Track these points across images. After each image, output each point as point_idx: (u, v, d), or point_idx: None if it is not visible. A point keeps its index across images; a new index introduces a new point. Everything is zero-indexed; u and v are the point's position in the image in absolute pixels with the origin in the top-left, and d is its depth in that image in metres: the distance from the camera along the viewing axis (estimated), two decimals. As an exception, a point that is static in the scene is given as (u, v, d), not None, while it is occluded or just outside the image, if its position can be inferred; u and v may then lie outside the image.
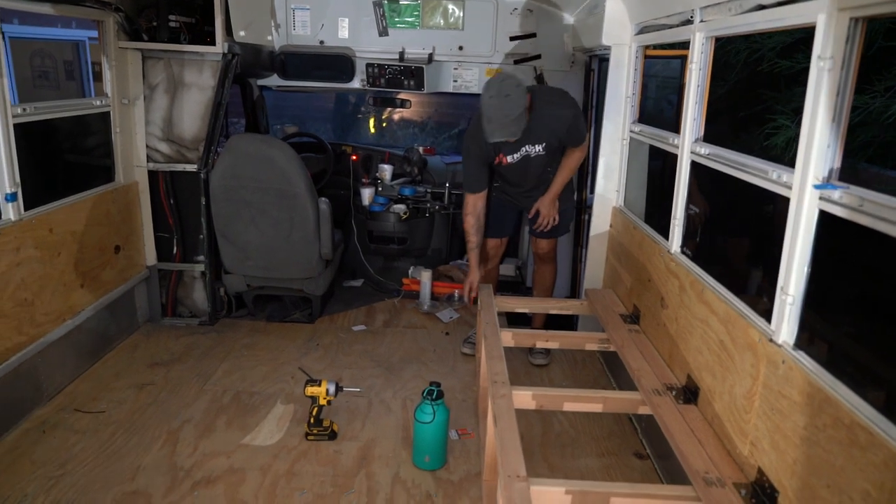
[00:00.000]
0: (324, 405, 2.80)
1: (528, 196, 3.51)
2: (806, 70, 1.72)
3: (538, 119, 3.10)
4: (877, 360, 1.94)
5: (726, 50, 3.86)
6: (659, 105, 4.99)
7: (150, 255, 3.87)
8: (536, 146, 3.23)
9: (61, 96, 8.04)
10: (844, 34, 1.57)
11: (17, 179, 2.80)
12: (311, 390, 2.78)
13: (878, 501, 1.36)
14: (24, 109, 2.86)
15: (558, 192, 3.42)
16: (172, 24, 3.56)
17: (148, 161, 3.73)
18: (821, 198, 1.67)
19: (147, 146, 3.72)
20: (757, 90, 3.85)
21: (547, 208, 3.42)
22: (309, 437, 2.81)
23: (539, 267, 3.74)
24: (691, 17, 2.54)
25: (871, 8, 1.50)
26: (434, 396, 2.61)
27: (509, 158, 3.27)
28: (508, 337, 3.09)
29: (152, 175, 3.76)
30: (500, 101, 2.87)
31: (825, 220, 1.68)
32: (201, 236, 3.84)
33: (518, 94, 2.90)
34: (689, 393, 2.38)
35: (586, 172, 4.14)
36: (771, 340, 1.84)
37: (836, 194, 1.61)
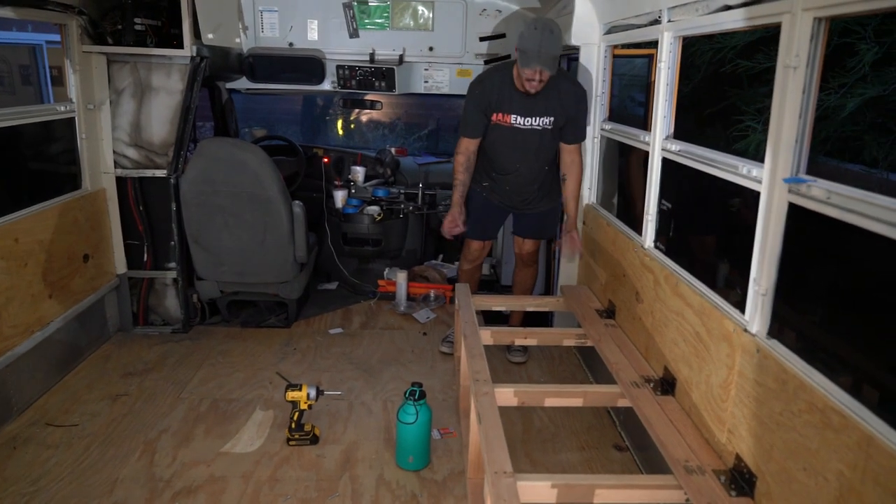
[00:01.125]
0: (305, 410, 2.79)
1: (517, 194, 3.47)
2: (766, 70, 1.79)
3: (554, 88, 3.11)
4: (847, 346, 2.03)
5: (691, 51, 3.96)
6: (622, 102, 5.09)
7: (119, 263, 3.79)
8: (545, 118, 3.22)
9: (18, 102, 7.80)
10: (808, 33, 1.63)
11: (-20, 188, 2.72)
12: (291, 395, 2.77)
13: (852, 481, 1.42)
14: (-14, 116, 2.78)
15: (576, 215, 3.41)
16: (138, 28, 3.49)
17: (116, 167, 3.65)
18: (790, 191, 1.73)
19: (115, 152, 3.64)
20: (721, 87, 3.96)
21: (574, 234, 3.39)
22: (290, 443, 2.79)
23: (521, 269, 3.74)
24: (659, 17, 2.60)
25: (834, 8, 1.56)
26: (416, 397, 2.62)
27: (513, 119, 3.22)
28: (487, 335, 3.11)
29: (121, 181, 3.67)
30: (543, 34, 2.90)
31: (794, 212, 1.74)
32: (172, 243, 3.77)
33: (559, 35, 2.96)
34: (667, 384, 2.43)
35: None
36: (745, 330, 1.90)
37: (804, 187, 1.67)
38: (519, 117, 3.23)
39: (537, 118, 3.22)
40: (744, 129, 3.66)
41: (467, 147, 3.36)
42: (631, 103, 5.02)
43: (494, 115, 3.26)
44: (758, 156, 1.80)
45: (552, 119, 3.23)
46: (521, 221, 3.62)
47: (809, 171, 1.70)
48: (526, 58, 2.95)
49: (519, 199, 3.50)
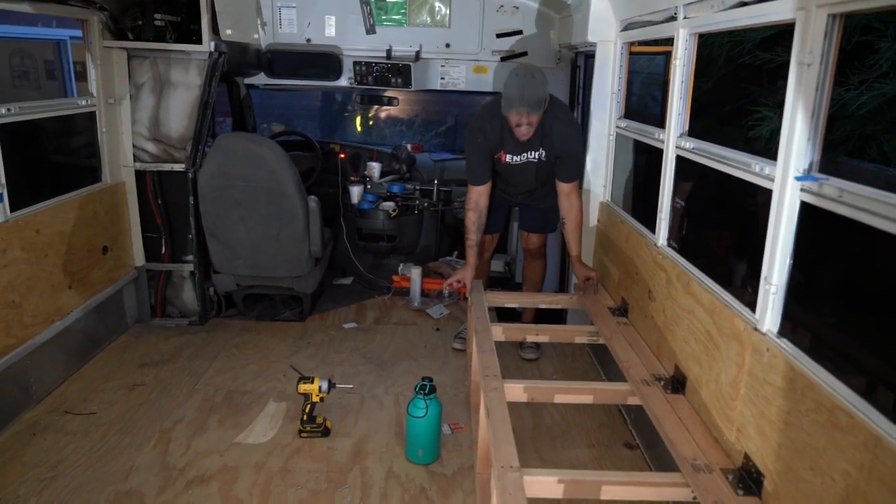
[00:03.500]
0: (316, 402, 2.82)
1: (521, 195, 3.56)
2: (786, 63, 1.76)
3: (542, 128, 3.15)
4: (856, 345, 2.00)
5: (709, 44, 3.93)
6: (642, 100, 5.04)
7: (138, 256, 3.86)
8: (534, 152, 3.27)
9: (42, 96, 7.92)
10: (822, 30, 1.61)
11: (3, 180, 2.78)
12: (303, 387, 2.80)
13: (858, 481, 1.41)
14: (9, 109, 2.84)
15: (579, 253, 3.38)
16: (158, 23, 3.54)
17: (135, 161, 3.72)
18: (802, 189, 1.72)
19: (134, 146, 3.70)
20: (741, 84, 3.92)
21: (587, 271, 3.37)
22: (302, 434, 2.82)
23: (529, 262, 3.78)
24: (675, 13, 2.58)
25: (848, 4, 1.54)
26: (427, 391, 2.63)
27: (509, 157, 3.30)
28: (499, 331, 3.11)
29: (139, 175, 3.74)
30: (524, 80, 2.97)
31: (806, 210, 1.72)
32: (190, 236, 3.83)
33: (541, 80, 3.01)
34: (677, 382, 2.42)
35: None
36: (755, 329, 1.88)
37: (816, 185, 1.65)
38: (513, 156, 3.28)
39: (528, 153, 3.27)
40: (758, 119, 3.62)
41: (477, 201, 3.35)
42: (647, 101, 4.98)
43: (496, 153, 3.32)
44: (771, 142, 1.79)
45: (542, 152, 3.26)
46: (526, 215, 3.69)
47: (829, 170, 1.68)
48: (508, 104, 3.01)
49: (522, 197, 3.57)
